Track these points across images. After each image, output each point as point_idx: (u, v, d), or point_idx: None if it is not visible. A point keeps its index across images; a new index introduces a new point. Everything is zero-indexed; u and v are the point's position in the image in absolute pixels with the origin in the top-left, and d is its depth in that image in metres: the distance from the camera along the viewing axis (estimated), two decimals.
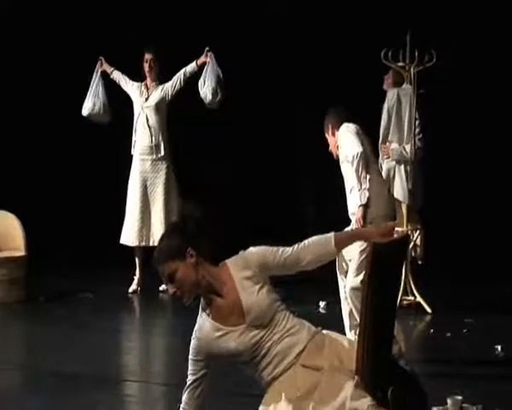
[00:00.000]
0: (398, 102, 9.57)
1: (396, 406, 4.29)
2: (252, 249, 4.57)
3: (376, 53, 9.54)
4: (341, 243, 4.65)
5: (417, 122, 9.59)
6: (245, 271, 4.49)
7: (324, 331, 4.64)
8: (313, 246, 4.57)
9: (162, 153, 10.25)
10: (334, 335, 4.64)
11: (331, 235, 4.60)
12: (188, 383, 4.56)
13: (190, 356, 4.56)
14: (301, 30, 12.11)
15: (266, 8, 12.35)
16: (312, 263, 4.59)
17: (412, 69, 9.52)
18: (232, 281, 4.48)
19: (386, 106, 9.62)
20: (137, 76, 10.35)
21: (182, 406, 4.58)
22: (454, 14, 11.64)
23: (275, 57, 12.14)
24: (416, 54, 9.47)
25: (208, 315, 4.52)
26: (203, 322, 4.53)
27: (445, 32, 10.69)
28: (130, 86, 10.36)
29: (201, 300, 4.54)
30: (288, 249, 4.56)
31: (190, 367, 4.56)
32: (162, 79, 10.28)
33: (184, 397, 4.57)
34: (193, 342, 4.55)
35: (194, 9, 12.25)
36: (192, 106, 10.32)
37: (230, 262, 4.54)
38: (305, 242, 4.58)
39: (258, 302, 4.46)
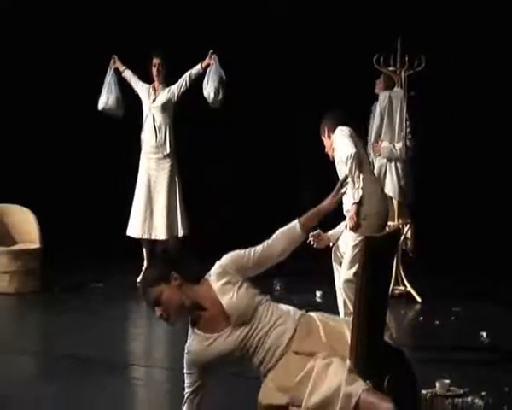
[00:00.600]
0: (389, 104, 9.58)
1: (392, 394, 4.28)
2: (226, 256, 4.60)
3: (369, 58, 9.56)
4: (306, 226, 4.69)
5: (408, 123, 9.60)
6: (223, 278, 4.52)
7: (312, 314, 4.63)
8: (281, 236, 4.64)
9: (167, 151, 10.23)
10: (322, 317, 4.63)
11: (295, 221, 4.66)
12: (185, 396, 4.60)
13: (185, 370, 4.60)
14: (300, 34, 12.15)
15: (266, 10, 12.33)
16: (285, 252, 4.64)
17: (403, 73, 9.54)
18: (213, 292, 4.52)
19: (378, 108, 9.63)
20: (145, 76, 10.36)
21: None
22: (442, 20, 11.65)
23: (274, 59, 12.14)
24: (407, 59, 9.49)
25: (197, 330, 4.55)
26: (193, 338, 4.57)
27: (433, 37, 10.67)
28: (139, 87, 10.35)
29: (189, 319, 4.58)
30: (259, 247, 4.61)
31: (186, 381, 4.60)
32: (169, 80, 10.26)
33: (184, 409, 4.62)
34: (186, 358, 4.59)
35: (197, 12, 12.24)
36: (195, 106, 10.29)
37: (209, 276, 4.58)
38: (273, 236, 4.64)
39: (237, 303, 4.48)
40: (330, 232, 7.50)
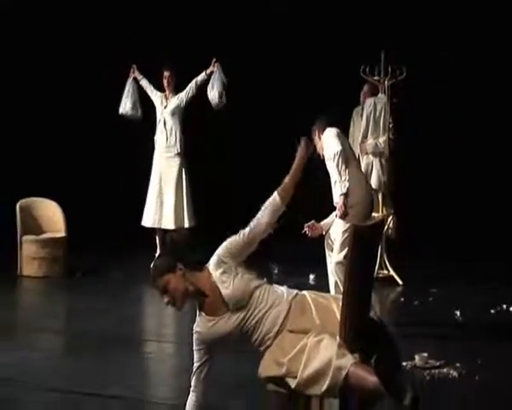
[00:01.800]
0: (374, 109, 9.62)
1: (379, 370, 4.25)
2: (221, 246, 4.59)
3: (356, 68, 9.58)
4: (285, 194, 4.64)
5: (391, 125, 9.63)
6: (220, 267, 4.52)
7: (305, 292, 4.62)
8: (265, 211, 4.61)
9: (176, 151, 10.24)
10: (314, 295, 4.61)
11: (274, 194, 4.64)
12: (194, 369, 4.62)
13: (194, 347, 4.62)
14: (296, 46, 12.08)
15: (265, 16, 12.31)
16: (270, 225, 4.61)
17: (386, 82, 9.56)
18: (213, 279, 4.51)
19: (365, 113, 9.68)
20: (156, 83, 10.37)
21: (191, 389, 4.63)
22: (422, 35, 11.65)
23: (270, 70, 12.10)
24: (390, 69, 9.50)
25: (202, 313, 4.56)
26: (199, 319, 4.58)
27: (414, 50, 10.64)
28: (154, 95, 10.35)
29: (196, 303, 4.60)
30: (247, 229, 4.58)
31: (195, 356, 4.62)
32: (178, 87, 10.28)
33: (192, 381, 4.63)
34: (194, 336, 4.61)
35: (201, 20, 12.22)
36: (202, 110, 10.29)
37: (209, 264, 4.57)
38: (258, 214, 4.61)
39: (233, 291, 4.47)
40: (323, 222, 7.52)
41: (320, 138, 7.61)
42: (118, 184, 11.86)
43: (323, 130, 7.59)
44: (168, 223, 10.14)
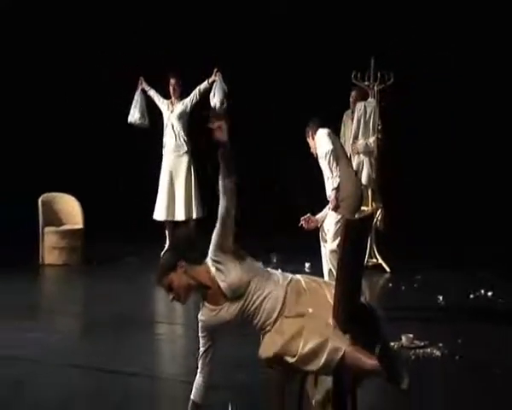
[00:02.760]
0: (364, 112, 9.59)
1: (384, 361, 4.19)
2: (210, 246, 4.54)
3: (348, 74, 9.59)
4: (224, 173, 4.63)
5: (379, 127, 9.63)
6: (215, 264, 4.47)
7: (299, 277, 4.58)
8: (220, 197, 4.54)
9: (184, 150, 10.29)
10: (307, 279, 4.58)
11: (220, 180, 4.62)
12: (199, 353, 4.60)
13: (199, 334, 4.59)
14: (294, 47, 12.08)
15: (263, 28, 12.30)
16: (230, 205, 4.50)
17: (375, 87, 9.56)
18: (211, 274, 4.48)
19: (356, 116, 9.66)
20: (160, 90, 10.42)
21: (198, 370, 4.62)
22: (408, 44, 11.65)
23: (271, 69, 12.11)
24: (379, 75, 9.49)
25: (205, 303, 4.53)
26: (203, 308, 4.55)
27: (401, 58, 10.64)
28: (161, 103, 10.39)
29: (200, 294, 4.57)
30: (218, 220, 4.49)
31: (200, 342, 4.60)
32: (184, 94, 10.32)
33: (199, 364, 4.61)
34: (199, 324, 4.57)
35: (203, 24, 12.23)
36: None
37: (207, 259, 4.53)
38: (220, 201, 4.53)
39: (230, 284, 4.42)
40: (318, 215, 7.53)
41: (313, 138, 7.62)
42: (130, 181, 11.85)
43: (316, 130, 7.60)
44: (179, 215, 10.18)
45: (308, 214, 7.46)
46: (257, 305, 4.45)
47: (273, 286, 4.47)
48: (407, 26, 11.84)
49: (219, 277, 4.47)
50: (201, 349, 4.61)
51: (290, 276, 4.56)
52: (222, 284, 4.46)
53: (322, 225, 7.56)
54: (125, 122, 10.47)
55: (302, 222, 7.43)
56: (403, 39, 11.57)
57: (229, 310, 4.46)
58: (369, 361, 4.24)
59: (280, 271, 4.62)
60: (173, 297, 4.58)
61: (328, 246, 7.43)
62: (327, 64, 11.46)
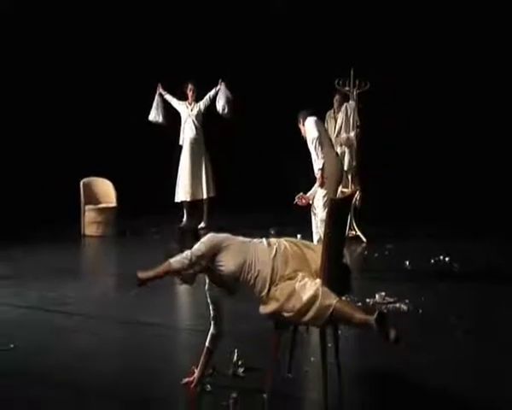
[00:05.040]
0: (346, 112, 9.61)
1: (380, 322, 4.11)
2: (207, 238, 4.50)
3: (331, 81, 9.53)
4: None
5: (358, 124, 9.61)
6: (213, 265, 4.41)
7: (284, 242, 4.45)
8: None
9: (201, 142, 10.26)
10: (291, 244, 4.45)
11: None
12: (211, 313, 4.54)
13: (208, 300, 4.56)
14: (290, 55, 12.04)
15: (261, 40, 12.23)
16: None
17: (355, 91, 9.52)
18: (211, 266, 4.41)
19: (340, 115, 9.65)
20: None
21: (211, 324, 4.57)
22: (383, 55, 11.61)
23: (269, 74, 12.04)
24: (357, 82, 9.47)
25: (210, 281, 4.50)
26: (208, 284, 4.51)
27: (376, 66, 10.57)
28: (178, 105, 10.36)
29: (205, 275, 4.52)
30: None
31: (210, 306, 4.54)
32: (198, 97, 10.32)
33: (211, 320, 4.55)
34: (207, 294, 4.55)
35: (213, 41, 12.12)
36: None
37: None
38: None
39: (225, 270, 4.34)
40: (308, 193, 7.50)
41: (303, 124, 7.58)
42: (155, 168, 11.75)
43: (305, 118, 7.55)
44: (198, 194, 10.23)
45: (301, 193, 7.43)
46: (251, 282, 4.35)
47: (262, 265, 4.33)
48: (380, 40, 11.78)
49: (219, 269, 4.37)
50: (211, 311, 4.57)
51: (275, 248, 4.40)
52: (221, 274, 4.37)
53: (313, 201, 7.52)
54: (148, 123, 10.44)
55: (296, 200, 7.40)
56: (377, 53, 11.52)
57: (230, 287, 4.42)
58: (356, 315, 4.19)
59: (266, 241, 4.46)
60: (182, 281, 4.51)
61: (318, 216, 7.39)
62: (313, 73, 11.39)
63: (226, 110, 10.06)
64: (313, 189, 7.51)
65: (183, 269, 4.34)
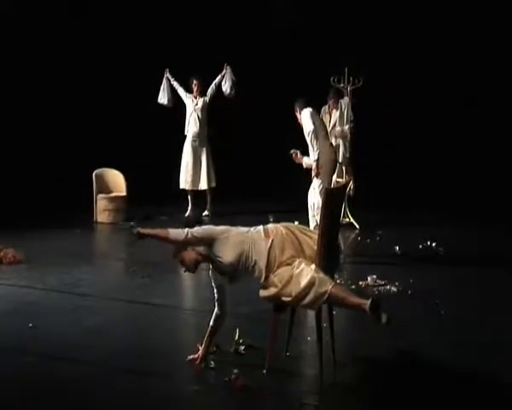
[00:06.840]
0: (341, 107, 9.59)
1: (374, 306, 4.12)
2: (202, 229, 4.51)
3: (327, 78, 9.50)
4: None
5: (352, 118, 9.59)
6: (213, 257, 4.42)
7: (281, 228, 4.44)
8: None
9: (204, 134, 10.19)
10: (287, 230, 4.43)
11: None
12: (215, 296, 4.52)
13: (212, 284, 4.54)
14: (289, 55, 11.99)
15: (263, 41, 12.18)
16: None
17: (348, 88, 9.50)
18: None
19: (335, 109, 9.61)
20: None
21: (215, 305, 4.55)
22: (375, 53, 11.56)
23: (270, 71, 11.98)
24: (351, 79, 9.44)
25: (213, 269, 4.48)
26: (211, 270, 4.50)
27: (368, 64, 10.51)
28: (185, 96, 10.24)
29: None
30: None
31: (214, 290, 4.54)
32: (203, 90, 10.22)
33: (215, 302, 4.53)
34: (211, 279, 4.52)
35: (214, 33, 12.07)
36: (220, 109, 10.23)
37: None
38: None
39: (225, 260, 4.35)
40: (304, 158, 7.50)
41: (300, 113, 7.56)
42: (161, 158, 11.70)
43: (301, 108, 7.54)
44: (202, 185, 10.20)
45: (298, 151, 7.46)
46: (249, 270, 4.37)
47: (258, 254, 4.32)
48: (372, 41, 11.73)
49: (218, 260, 4.38)
50: (215, 294, 4.57)
51: (272, 237, 4.37)
52: (220, 264, 4.37)
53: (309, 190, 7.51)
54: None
55: (292, 153, 7.43)
56: (369, 52, 11.46)
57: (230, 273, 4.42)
58: (350, 299, 4.20)
59: (263, 230, 4.43)
60: (185, 269, 4.52)
61: (316, 204, 7.36)
62: (311, 70, 11.34)
63: (231, 91, 10.03)
64: (308, 159, 7.49)
65: (177, 242, 4.36)
